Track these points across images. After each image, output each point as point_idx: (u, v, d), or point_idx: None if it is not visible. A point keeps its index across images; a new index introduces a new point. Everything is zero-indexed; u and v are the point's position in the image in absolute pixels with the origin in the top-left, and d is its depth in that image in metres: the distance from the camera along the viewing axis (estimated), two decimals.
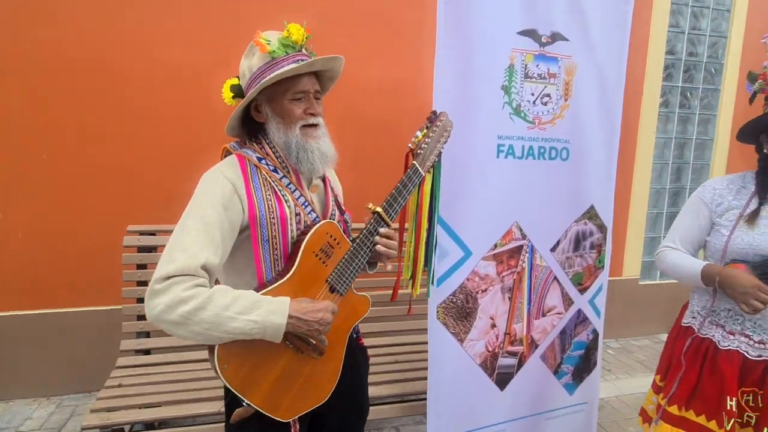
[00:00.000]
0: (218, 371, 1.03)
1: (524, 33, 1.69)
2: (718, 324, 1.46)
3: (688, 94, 3.68)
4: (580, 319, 2.03)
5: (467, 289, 1.76)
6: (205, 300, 0.98)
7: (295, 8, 2.57)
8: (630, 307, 3.62)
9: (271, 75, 1.12)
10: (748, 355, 1.39)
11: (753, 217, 1.40)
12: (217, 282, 1.25)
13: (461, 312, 1.77)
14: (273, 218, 1.12)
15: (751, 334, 1.39)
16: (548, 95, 1.77)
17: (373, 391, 1.98)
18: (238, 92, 1.21)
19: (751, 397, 1.39)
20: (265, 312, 1.02)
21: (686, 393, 1.47)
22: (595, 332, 2.07)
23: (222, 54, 2.29)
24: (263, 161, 1.18)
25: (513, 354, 1.90)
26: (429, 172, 1.36)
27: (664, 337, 3.71)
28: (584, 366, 2.09)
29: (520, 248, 1.83)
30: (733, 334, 1.42)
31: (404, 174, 1.26)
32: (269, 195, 1.14)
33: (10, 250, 2.51)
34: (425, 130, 1.32)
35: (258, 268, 1.12)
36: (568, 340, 2.02)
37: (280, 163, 1.19)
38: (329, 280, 1.17)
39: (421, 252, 1.43)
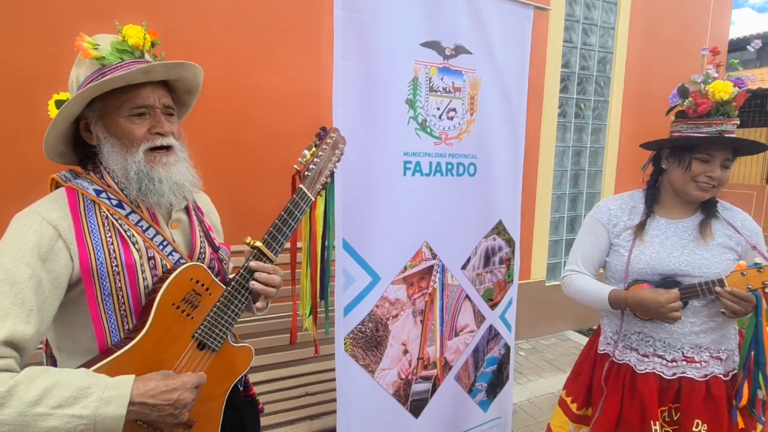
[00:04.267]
0: None
1: (427, 44, 1.62)
2: (632, 348, 1.47)
3: (582, 105, 3.92)
4: (492, 334, 2.01)
5: (377, 317, 1.65)
6: (4, 393, 0.74)
7: (168, 9, 2.29)
8: (538, 308, 3.77)
9: (91, 84, 0.89)
10: (664, 375, 1.41)
11: (640, 230, 1.43)
12: (48, 348, 0.99)
13: (371, 341, 1.65)
14: (116, 267, 0.90)
15: (663, 353, 1.41)
16: (454, 109, 1.71)
17: None
18: None
19: (667, 413, 1.41)
20: (96, 402, 0.78)
21: (611, 422, 1.45)
22: (506, 346, 2.07)
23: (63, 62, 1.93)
24: (103, 194, 0.94)
25: (426, 378, 1.82)
26: (320, 194, 1.21)
27: (571, 334, 3.94)
28: (497, 381, 2.07)
29: (430, 269, 1.75)
30: (647, 357, 1.44)
31: (290, 200, 1.09)
32: (111, 237, 0.91)
33: None
34: (314, 149, 1.17)
35: (98, 330, 0.89)
36: (481, 357, 1.99)
37: (125, 195, 0.96)
38: (196, 335, 0.96)
39: (319, 284, 1.29)
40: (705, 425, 1.35)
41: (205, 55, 1.09)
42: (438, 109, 1.67)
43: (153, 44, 0.98)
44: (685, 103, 1.39)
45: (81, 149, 0.99)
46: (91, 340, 0.90)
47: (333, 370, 2.25)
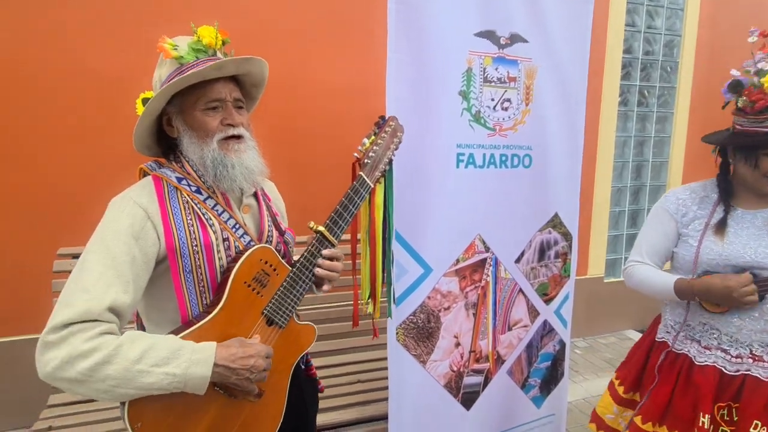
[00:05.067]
0: (131, 431, 0.89)
1: (482, 35, 1.59)
2: (693, 339, 1.41)
3: (646, 93, 3.70)
4: (546, 330, 1.96)
5: (428, 308, 1.66)
6: (110, 352, 0.84)
7: (231, 10, 2.39)
8: (596, 306, 3.62)
9: (171, 81, 0.98)
10: (725, 371, 1.34)
11: (721, 228, 1.35)
12: (138, 319, 1.09)
13: (423, 332, 1.66)
14: (196, 246, 0.99)
15: (728, 348, 1.35)
16: (509, 100, 1.68)
17: (329, 418, 1.87)
18: None
19: (725, 411, 1.35)
20: (186, 362, 0.88)
21: (660, 409, 1.41)
22: (561, 343, 2.01)
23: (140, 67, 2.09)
24: (183, 182, 1.04)
25: (479, 372, 1.81)
26: (379, 182, 1.25)
27: (631, 333, 3.76)
28: (551, 377, 2.03)
29: (483, 262, 1.74)
30: (709, 349, 1.37)
31: (350, 186, 1.14)
32: (191, 220, 1.00)
33: None
34: (373, 137, 1.21)
35: (181, 303, 0.99)
36: (535, 352, 1.95)
37: (203, 182, 1.05)
38: (265, 312, 1.04)
39: (379, 269, 1.32)
40: (765, 428, 1.27)
41: (264, 51, 1.14)
42: (492, 99, 1.64)
43: (224, 43, 1.06)
44: (739, 102, 1.28)
45: (164, 142, 1.09)
46: (174, 312, 0.99)
47: (385, 359, 2.30)
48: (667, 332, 1.48)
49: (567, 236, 1.92)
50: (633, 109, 3.66)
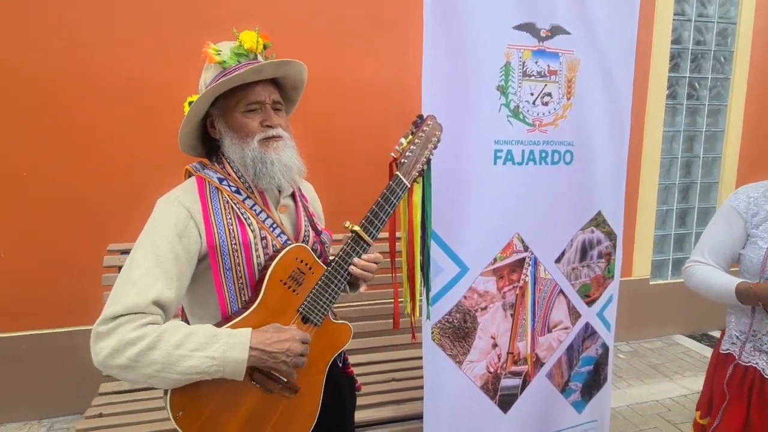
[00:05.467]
0: (173, 419, 0.92)
1: (521, 27, 1.55)
2: (761, 350, 1.30)
3: (697, 85, 3.51)
4: (588, 333, 1.89)
5: (465, 308, 1.63)
6: (154, 339, 0.89)
7: (268, 13, 2.44)
8: (641, 308, 3.47)
9: (212, 86, 1.01)
10: None
11: None
12: (183, 315, 1.13)
13: (459, 332, 1.63)
14: (235, 245, 1.02)
15: None
16: (549, 94, 1.62)
17: (364, 415, 1.87)
18: None
19: None
20: (224, 346, 0.92)
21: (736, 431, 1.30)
22: (604, 346, 1.94)
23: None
24: (224, 182, 1.07)
25: (516, 374, 1.76)
26: (417, 182, 1.24)
27: (680, 339, 3.58)
28: (593, 382, 1.95)
29: (522, 261, 1.69)
30: None
31: (386, 186, 1.14)
32: (230, 219, 1.03)
33: None
34: (410, 137, 1.20)
35: (221, 299, 1.03)
36: (576, 356, 1.89)
37: (242, 183, 1.09)
38: (301, 309, 1.06)
39: (417, 270, 1.31)
40: None
41: (299, 52, 1.16)
42: (532, 94, 1.60)
43: (265, 47, 1.09)
44: None
45: (208, 143, 1.13)
46: (216, 308, 1.03)
47: (420, 358, 2.29)
48: (733, 343, 1.37)
49: (611, 235, 1.84)
50: (682, 102, 3.48)
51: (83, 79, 2.36)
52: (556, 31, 1.58)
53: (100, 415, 1.88)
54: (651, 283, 3.56)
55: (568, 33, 1.60)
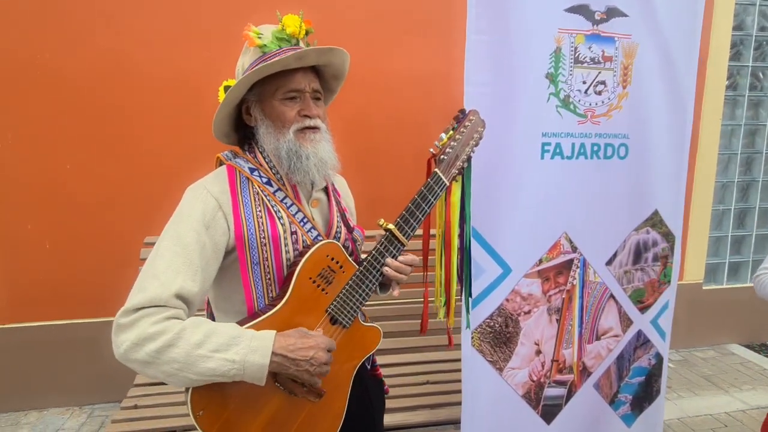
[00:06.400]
0: (193, 418, 0.89)
1: (573, 10, 1.43)
2: None
3: (760, 75, 3.24)
4: (641, 341, 1.75)
5: (507, 312, 1.53)
6: (174, 336, 0.85)
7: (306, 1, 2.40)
8: (693, 315, 3.24)
9: (253, 69, 0.97)
10: None
11: None
12: (208, 307, 1.10)
13: (500, 337, 1.54)
14: (264, 238, 0.98)
15: None
16: (603, 82, 1.50)
17: (397, 419, 1.80)
18: None
19: None
20: (245, 349, 0.87)
21: None
22: (658, 356, 1.79)
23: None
24: (255, 172, 1.03)
25: (561, 383, 1.65)
26: (456, 180, 1.18)
27: (734, 348, 3.33)
28: (645, 394, 1.81)
29: (569, 263, 1.58)
30: None
31: (424, 183, 1.08)
32: (260, 212, 0.99)
33: (39, 261, 2.48)
34: (451, 132, 1.14)
35: (247, 294, 0.99)
36: (626, 365, 1.75)
37: (274, 174, 1.04)
38: (329, 310, 1.01)
39: (453, 274, 1.24)
40: None
41: (338, 39, 1.11)
42: (584, 82, 1.48)
43: (307, 32, 1.04)
44: None
45: (242, 130, 1.08)
46: (241, 303, 0.99)
47: (457, 360, 2.21)
48: None
49: (668, 237, 1.69)
50: (743, 93, 3.22)
51: (125, 74, 2.38)
52: (612, 13, 1.45)
53: (135, 407, 1.90)
54: (704, 288, 3.32)
55: (626, 15, 1.47)
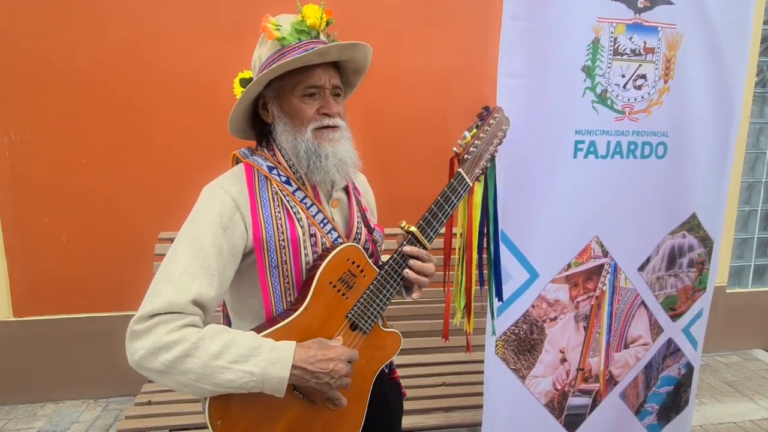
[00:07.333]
0: (210, 427, 0.86)
1: None
2: None
3: None
4: (671, 350, 1.67)
5: (532, 318, 1.45)
6: (191, 346, 0.81)
7: None
8: (715, 319, 3.10)
9: (273, 66, 0.91)
10: None
11: None
12: (224, 309, 1.07)
13: (524, 344, 1.46)
14: (283, 241, 0.93)
15: None
16: (643, 76, 1.40)
17: (412, 421, 1.75)
18: None
19: None
20: (265, 361, 0.83)
21: None
22: (689, 366, 1.70)
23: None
24: (274, 171, 0.98)
25: (586, 392, 1.58)
26: (479, 180, 1.13)
27: (759, 353, 3.23)
28: (673, 404, 1.73)
29: (600, 268, 1.49)
30: None
31: (447, 184, 1.04)
32: (279, 213, 0.95)
33: (56, 254, 2.47)
34: (475, 130, 1.09)
35: (266, 298, 0.94)
36: (655, 375, 1.67)
37: (293, 173, 0.99)
38: (350, 315, 0.96)
39: (474, 278, 1.18)
40: None
41: (359, 33, 1.05)
42: (623, 76, 1.38)
43: (328, 23, 0.98)
44: None
45: (258, 127, 1.03)
46: (259, 307, 0.95)
47: (474, 362, 2.15)
48: None
49: (706, 242, 1.59)
50: None
51: (140, 68, 2.34)
52: (656, 0, 1.35)
53: (149, 403, 1.87)
54: (728, 291, 3.21)
55: (671, 3, 1.36)
